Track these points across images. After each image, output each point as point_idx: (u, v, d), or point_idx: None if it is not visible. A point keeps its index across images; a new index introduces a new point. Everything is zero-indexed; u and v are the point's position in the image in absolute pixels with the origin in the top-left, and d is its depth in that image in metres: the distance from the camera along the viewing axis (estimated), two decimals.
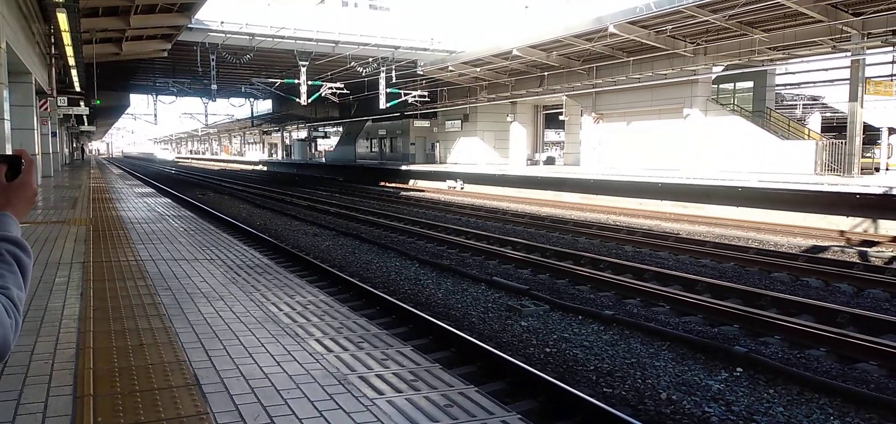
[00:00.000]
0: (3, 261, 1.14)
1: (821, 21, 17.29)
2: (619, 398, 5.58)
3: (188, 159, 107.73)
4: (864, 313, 7.77)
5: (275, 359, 3.79)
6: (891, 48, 17.18)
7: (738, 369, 6.08)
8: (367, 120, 44.82)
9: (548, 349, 6.75)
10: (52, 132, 25.59)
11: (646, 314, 8.18)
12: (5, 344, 1.04)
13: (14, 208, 1.25)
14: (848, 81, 19.72)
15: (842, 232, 14.71)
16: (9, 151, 1.36)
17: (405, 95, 31.93)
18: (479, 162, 35.83)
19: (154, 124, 47.92)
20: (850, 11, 17.11)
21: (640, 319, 7.82)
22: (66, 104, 24.34)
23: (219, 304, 5.10)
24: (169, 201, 15.76)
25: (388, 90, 30.47)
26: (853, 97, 18.83)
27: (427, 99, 33.42)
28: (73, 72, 20.72)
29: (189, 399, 3.17)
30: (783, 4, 16.54)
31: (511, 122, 33.27)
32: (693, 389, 5.67)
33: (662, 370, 6.11)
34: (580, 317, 7.94)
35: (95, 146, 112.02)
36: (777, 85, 29.29)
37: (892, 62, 23.71)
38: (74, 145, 55.56)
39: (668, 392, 5.60)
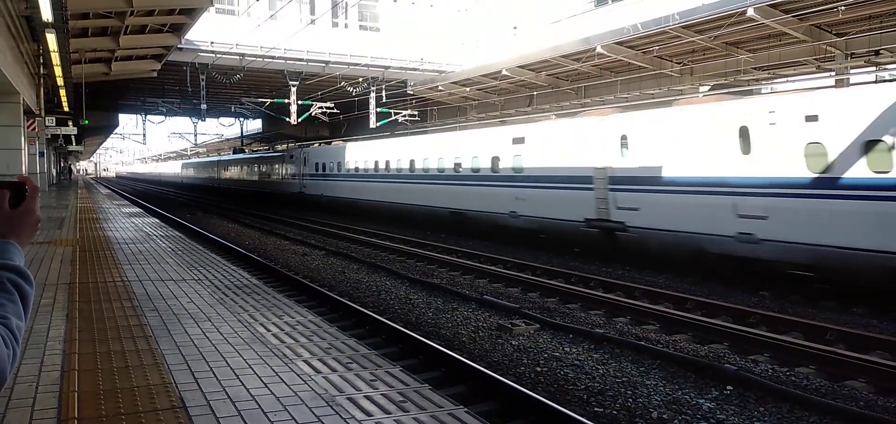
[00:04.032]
0: (3, 290, 1.12)
1: (805, 42, 17.53)
2: (610, 417, 5.56)
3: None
4: (851, 330, 7.81)
5: (262, 381, 3.76)
6: (873, 68, 17.43)
7: (729, 387, 6.09)
8: (358, 139, 44.73)
9: (538, 368, 6.73)
10: (39, 152, 25.41)
11: (636, 332, 8.18)
12: (2, 375, 1.02)
13: (17, 235, 1.23)
14: None
15: None
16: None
17: (395, 114, 32.01)
18: None
19: (142, 144, 47.74)
20: (833, 32, 17.37)
21: (630, 337, 7.82)
22: (54, 124, 24.18)
23: (206, 325, 5.05)
24: (157, 220, 15.67)
25: (379, 110, 30.53)
26: None
27: (417, 118, 33.51)
28: (62, 92, 20.60)
29: (175, 422, 3.13)
30: (768, 26, 16.76)
31: None
32: (683, 408, 5.67)
33: (653, 388, 6.10)
34: (571, 335, 7.93)
35: (83, 166, 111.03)
36: None
37: (876, 82, 24.04)
38: (62, 165, 55.15)
39: (658, 411, 5.59)
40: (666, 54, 21.17)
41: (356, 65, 28.04)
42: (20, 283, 1.15)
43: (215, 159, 52.54)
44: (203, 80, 26.50)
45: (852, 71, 17.51)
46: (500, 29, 30.04)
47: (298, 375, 3.86)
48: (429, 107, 34.10)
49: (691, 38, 18.79)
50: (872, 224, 9.15)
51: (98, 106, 32.36)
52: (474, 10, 32.28)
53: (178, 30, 20.34)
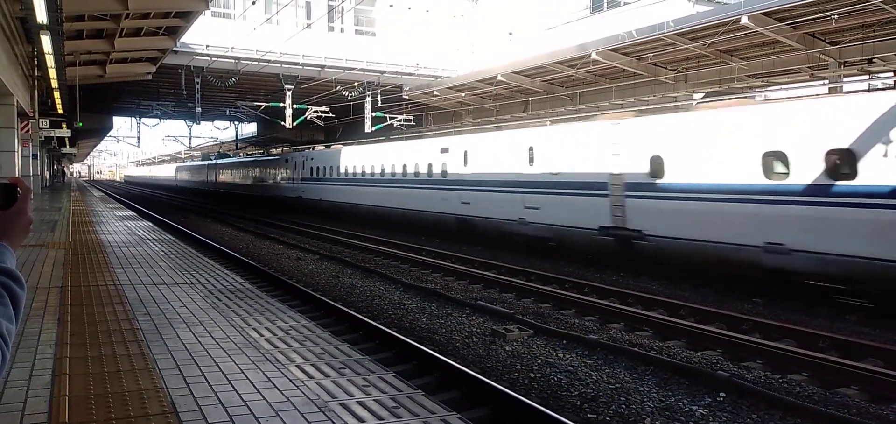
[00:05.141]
0: None
1: (798, 50, 17.63)
2: (603, 423, 5.56)
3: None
4: (844, 337, 7.84)
5: (254, 386, 3.74)
6: (866, 76, 17.53)
7: (722, 394, 6.10)
8: (353, 143, 44.69)
9: (532, 374, 6.73)
10: (33, 154, 25.30)
11: (630, 338, 8.19)
12: None
13: (9, 237, 1.22)
14: None
15: None
16: None
17: (390, 119, 32.01)
18: None
19: (137, 146, 47.58)
20: (826, 40, 17.47)
21: (623, 343, 7.83)
22: (48, 126, 24.10)
23: (198, 329, 5.03)
24: (150, 224, 15.61)
25: (374, 114, 30.54)
26: None
27: (412, 123, 33.53)
28: (56, 94, 20.54)
29: None
30: (762, 34, 16.85)
31: None
32: (677, 414, 5.67)
33: (646, 395, 6.11)
34: (564, 341, 7.93)
35: (77, 168, 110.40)
36: None
37: (869, 90, 24.19)
38: (55, 167, 54.93)
39: (652, 418, 5.59)
40: (660, 61, 21.25)
41: (352, 69, 28.05)
42: (11, 285, 1.14)
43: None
44: (198, 83, 26.45)
45: (846, 79, 17.61)
46: (495, 35, 30.11)
47: (291, 380, 3.84)
48: (424, 112, 34.15)
49: (686, 46, 18.87)
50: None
51: (92, 108, 32.27)
52: (470, 16, 32.32)
53: (174, 33, 20.31)
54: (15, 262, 1.20)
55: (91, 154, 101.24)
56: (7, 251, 1.19)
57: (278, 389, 3.69)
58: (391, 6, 30.66)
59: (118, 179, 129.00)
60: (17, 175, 17.44)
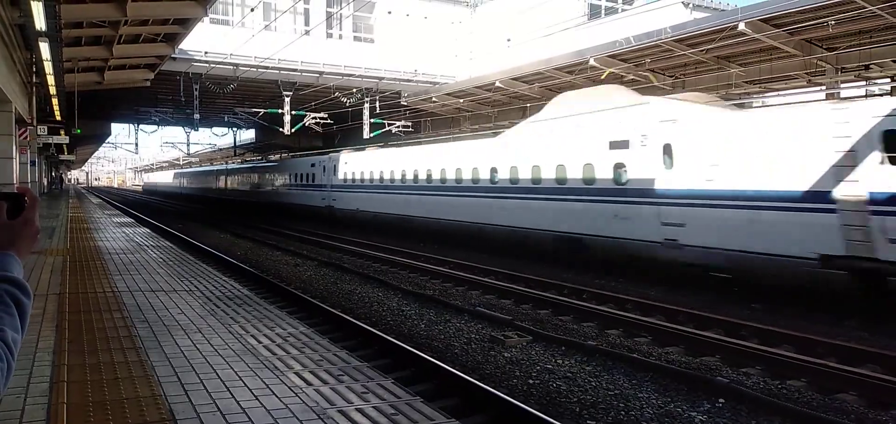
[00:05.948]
0: (0, 302, 1.11)
1: (796, 56, 17.67)
2: None
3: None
4: (843, 343, 7.84)
5: (253, 393, 3.73)
6: (863, 82, 17.58)
7: (721, 400, 6.09)
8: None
9: (531, 381, 6.72)
10: (31, 161, 25.24)
11: (628, 344, 8.19)
12: None
13: (16, 246, 1.21)
14: None
15: None
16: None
17: (389, 125, 32.03)
18: None
19: (134, 153, 47.45)
20: (824, 47, 17.52)
21: (622, 349, 7.83)
22: (46, 133, 24.06)
23: (196, 337, 5.02)
24: (148, 231, 15.59)
25: (372, 120, 30.58)
26: None
27: (411, 129, 33.55)
28: (54, 101, 20.53)
29: None
30: (759, 40, 16.90)
31: None
32: (676, 421, 5.67)
33: (645, 401, 6.10)
34: (563, 348, 7.92)
35: (74, 175, 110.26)
36: None
37: (866, 96, 24.24)
38: (53, 174, 54.81)
39: None
40: (658, 68, 21.29)
41: (350, 76, 28.08)
42: (18, 295, 1.14)
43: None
44: (196, 89, 26.46)
45: (843, 85, 17.65)
46: (493, 41, 30.16)
47: (290, 387, 3.84)
48: (422, 118, 34.18)
49: (683, 52, 18.91)
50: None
51: (90, 115, 32.23)
52: (468, 23, 32.39)
53: (172, 39, 20.33)
54: (22, 271, 1.20)
55: (89, 161, 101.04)
56: (14, 261, 1.19)
57: (277, 396, 3.68)
58: (389, 13, 30.72)
59: (116, 185, 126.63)
60: (16, 183, 17.39)
